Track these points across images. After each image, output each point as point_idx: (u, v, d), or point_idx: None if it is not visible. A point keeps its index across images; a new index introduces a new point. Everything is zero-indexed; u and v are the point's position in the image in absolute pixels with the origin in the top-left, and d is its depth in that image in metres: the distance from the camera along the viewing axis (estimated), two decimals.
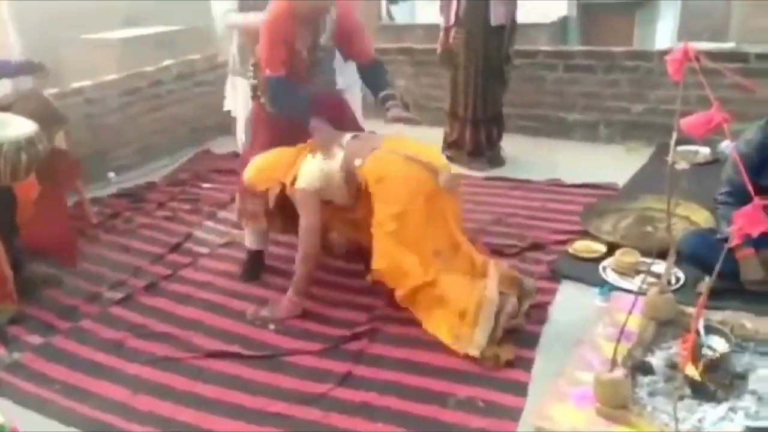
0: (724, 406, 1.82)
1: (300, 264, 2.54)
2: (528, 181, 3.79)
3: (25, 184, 2.94)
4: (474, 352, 2.20)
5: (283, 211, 2.67)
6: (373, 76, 2.75)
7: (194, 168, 4.49)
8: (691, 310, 2.12)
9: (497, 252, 2.86)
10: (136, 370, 2.32)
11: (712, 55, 3.53)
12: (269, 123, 2.74)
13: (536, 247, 2.98)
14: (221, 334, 2.51)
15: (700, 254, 2.37)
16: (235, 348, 2.41)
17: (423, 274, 2.33)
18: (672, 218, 2.21)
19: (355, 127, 2.82)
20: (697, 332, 1.93)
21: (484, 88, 3.90)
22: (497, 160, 4.09)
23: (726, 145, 3.67)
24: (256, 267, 2.94)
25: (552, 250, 2.94)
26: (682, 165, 3.00)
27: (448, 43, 3.89)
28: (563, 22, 7.48)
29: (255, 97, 2.76)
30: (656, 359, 2.04)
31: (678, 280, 2.53)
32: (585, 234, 2.98)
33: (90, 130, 4.22)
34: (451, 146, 4.10)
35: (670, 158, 2.05)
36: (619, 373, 1.85)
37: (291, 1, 2.50)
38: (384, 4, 7.78)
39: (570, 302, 2.54)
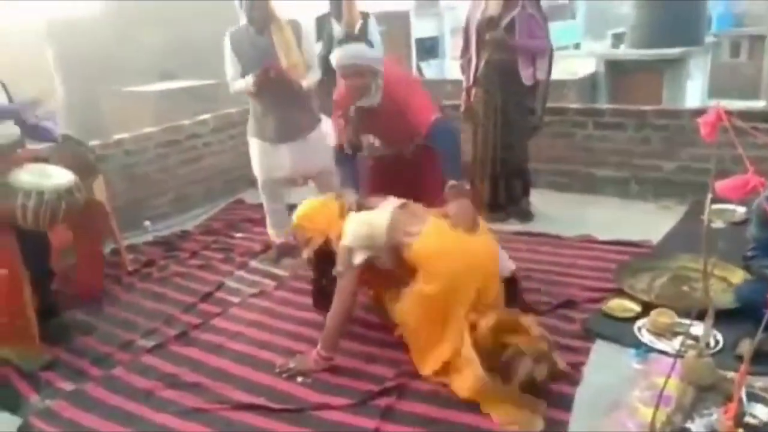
0: None
1: (330, 319, 2.54)
2: (558, 237, 3.77)
3: (58, 232, 3.05)
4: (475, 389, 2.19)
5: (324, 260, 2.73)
6: (435, 146, 2.69)
7: (227, 218, 4.59)
8: (731, 374, 2.05)
9: (527, 309, 2.82)
10: (166, 420, 2.32)
11: (744, 115, 3.52)
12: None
13: (569, 304, 2.94)
14: (250, 386, 2.51)
15: (756, 301, 2.30)
16: (262, 401, 2.40)
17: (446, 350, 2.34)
18: (709, 279, 2.17)
19: (435, 192, 2.75)
20: (740, 399, 1.87)
21: (504, 144, 3.96)
22: (525, 215, 4.09)
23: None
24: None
25: (585, 308, 2.89)
26: (718, 224, 2.95)
27: (470, 101, 4.03)
28: (592, 78, 7.59)
29: None
30: (696, 426, 1.96)
31: (717, 342, 2.46)
32: (618, 292, 2.94)
33: (128, 180, 4.37)
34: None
35: (705, 217, 2.04)
36: None
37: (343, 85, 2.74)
38: (414, 60, 8.02)
39: (605, 363, 2.48)
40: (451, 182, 2.55)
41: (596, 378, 2.38)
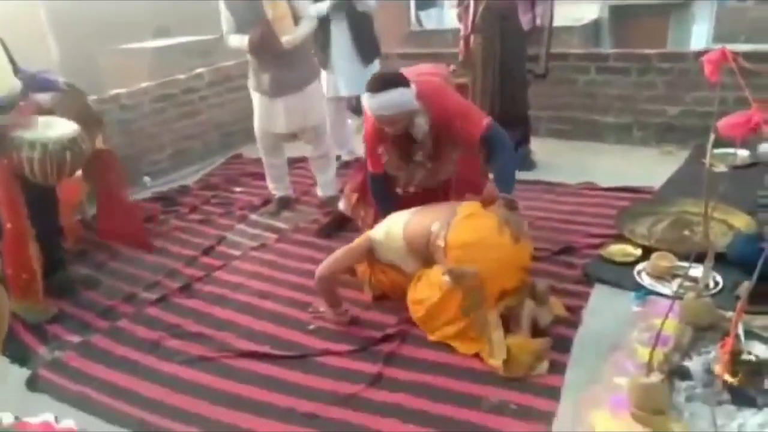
0: (764, 413, 1.77)
1: (326, 268, 2.54)
2: (560, 185, 3.75)
3: (68, 187, 3.03)
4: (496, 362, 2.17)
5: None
6: (491, 150, 2.56)
7: (226, 172, 4.57)
8: (730, 314, 2.06)
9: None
10: (172, 369, 2.36)
11: (750, 56, 3.44)
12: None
13: (569, 250, 2.95)
14: (253, 335, 2.54)
15: (750, 259, 2.30)
16: (266, 348, 2.44)
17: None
18: (710, 222, 2.16)
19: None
20: (737, 337, 1.89)
21: (502, 91, 3.89)
22: (527, 164, 4.06)
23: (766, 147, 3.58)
24: (335, 226, 3.36)
25: (585, 254, 2.90)
26: (719, 168, 2.92)
27: (469, 50, 3.95)
28: (595, 24, 7.41)
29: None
30: (694, 364, 1.99)
31: (716, 284, 2.47)
32: (619, 238, 2.94)
33: (125, 135, 4.33)
34: None
35: (707, 161, 2.01)
36: (656, 377, 1.82)
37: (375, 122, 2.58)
38: (413, 10, 7.83)
39: (604, 306, 2.50)
40: (504, 195, 2.43)
41: (595, 321, 2.41)
